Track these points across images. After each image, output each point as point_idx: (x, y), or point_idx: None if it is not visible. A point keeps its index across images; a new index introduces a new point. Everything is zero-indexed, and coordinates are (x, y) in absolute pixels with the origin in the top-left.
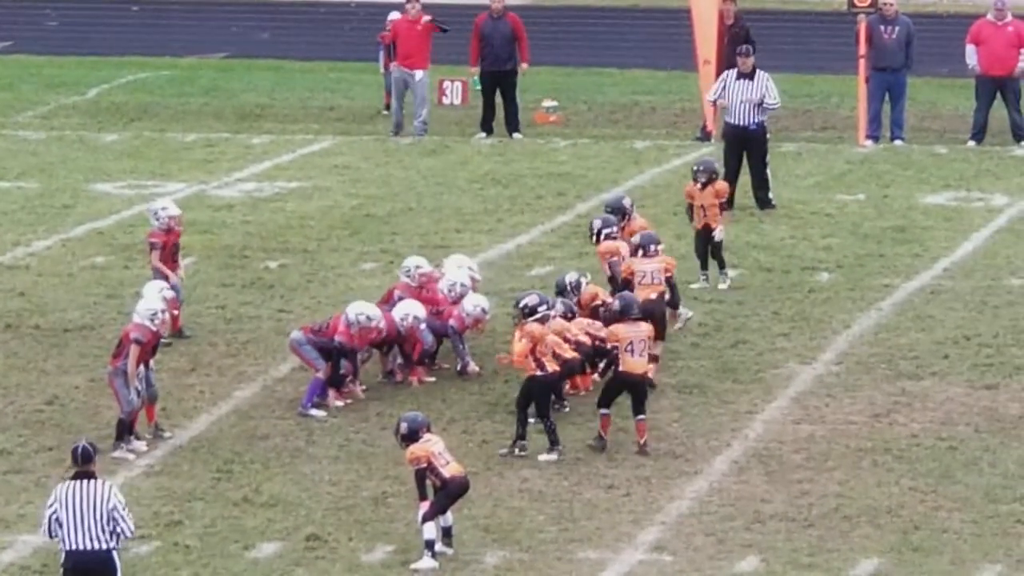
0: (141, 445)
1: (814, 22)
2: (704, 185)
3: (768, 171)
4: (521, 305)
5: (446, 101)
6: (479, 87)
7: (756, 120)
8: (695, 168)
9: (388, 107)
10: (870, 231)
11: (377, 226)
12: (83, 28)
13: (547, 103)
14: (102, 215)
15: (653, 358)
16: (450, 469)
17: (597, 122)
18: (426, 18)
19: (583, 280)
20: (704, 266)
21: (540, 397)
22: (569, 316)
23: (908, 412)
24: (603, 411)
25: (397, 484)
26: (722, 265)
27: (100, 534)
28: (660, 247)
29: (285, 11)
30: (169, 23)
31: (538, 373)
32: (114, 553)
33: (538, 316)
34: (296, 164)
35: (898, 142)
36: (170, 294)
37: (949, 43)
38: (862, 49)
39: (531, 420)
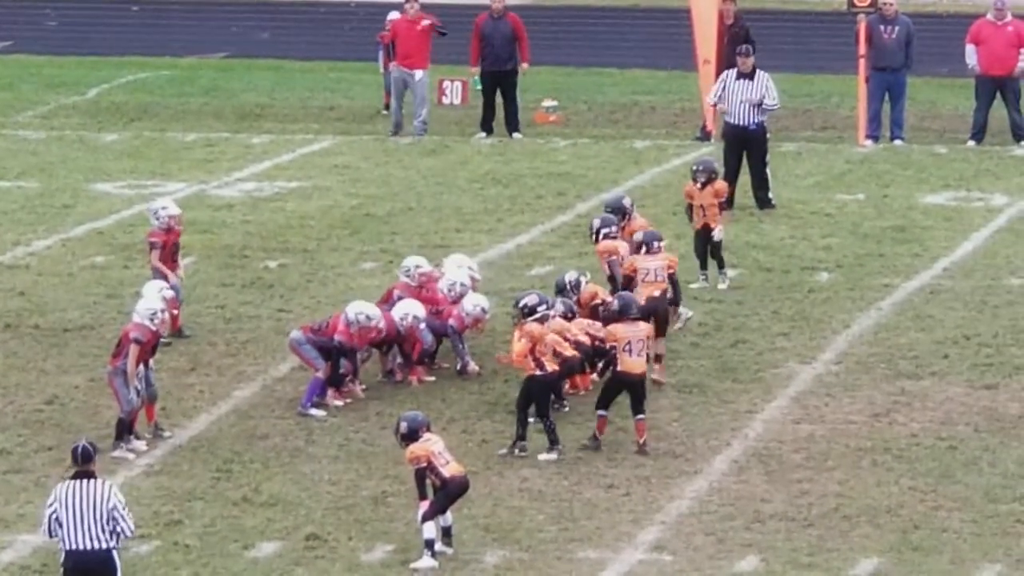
0: (141, 445)
1: (814, 22)
2: (703, 185)
3: (768, 171)
4: (520, 305)
5: (446, 101)
6: (479, 87)
7: (756, 120)
8: (694, 168)
9: (388, 107)
10: (870, 231)
11: (377, 226)
12: (83, 28)
13: (547, 103)
14: (102, 215)
15: (658, 358)
16: (450, 469)
17: (597, 122)
18: (426, 22)
19: (583, 279)
20: (703, 266)
21: (540, 397)
22: (569, 316)
23: (908, 412)
24: (601, 412)
25: (397, 483)
26: (721, 265)
27: (100, 534)
28: (662, 244)
29: (285, 11)
30: (169, 23)
31: (537, 373)
32: (114, 553)
33: (537, 316)
34: (296, 164)
35: (898, 142)
36: (170, 294)
37: (949, 43)
38: (862, 49)
39: (531, 420)
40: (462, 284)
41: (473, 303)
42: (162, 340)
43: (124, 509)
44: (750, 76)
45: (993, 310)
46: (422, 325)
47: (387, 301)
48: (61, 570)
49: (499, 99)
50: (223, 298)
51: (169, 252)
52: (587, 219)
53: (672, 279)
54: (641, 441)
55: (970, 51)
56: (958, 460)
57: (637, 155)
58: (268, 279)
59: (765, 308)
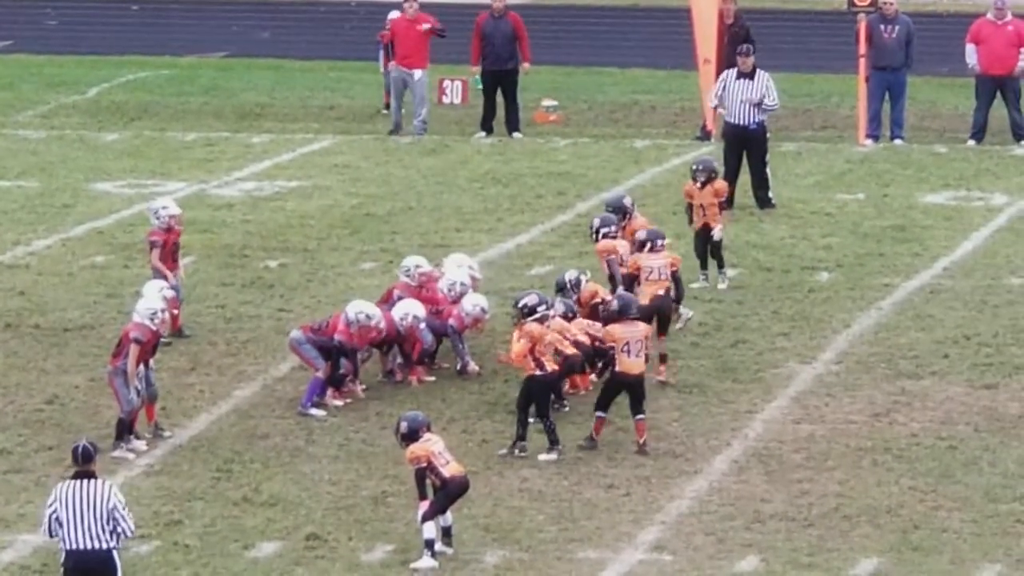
0: (141, 444)
1: (814, 21)
2: (703, 184)
3: (768, 170)
4: (520, 305)
5: (446, 100)
6: (480, 86)
7: (756, 119)
8: (694, 167)
9: (388, 106)
10: (870, 230)
11: (377, 225)
12: (83, 27)
13: (547, 102)
14: (102, 214)
15: (662, 358)
16: (450, 469)
17: (597, 121)
18: (426, 25)
19: (583, 278)
20: (703, 265)
21: (540, 397)
22: (569, 316)
23: (908, 412)
24: (599, 414)
25: (397, 483)
26: (721, 264)
27: (100, 533)
28: (666, 242)
29: (285, 10)
30: (169, 22)
31: (537, 373)
32: (114, 552)
33: (537, 316)
34: (296, 163)
35: (898, 141)
36: (170, 293)
37: (949, 42)
38: (862, 48)
39: (531, 420)
40: (462, 284)
41: (473, 303)
42: (162, 340)
43: (124, 509)
44: (750, 76)
45: (993, 310)
46: (422, 325)
47: (387, 301)
48: (61, 570)
49: (499, 99)
50: (223, 298)
51: (169, 252)
52: (587, 219)
53: (675, 277)
54: (641, 441)
55: (970, 50)
56: (958, 460)
57: (637, 154)
58: (268, 279)
59: (765, 308)
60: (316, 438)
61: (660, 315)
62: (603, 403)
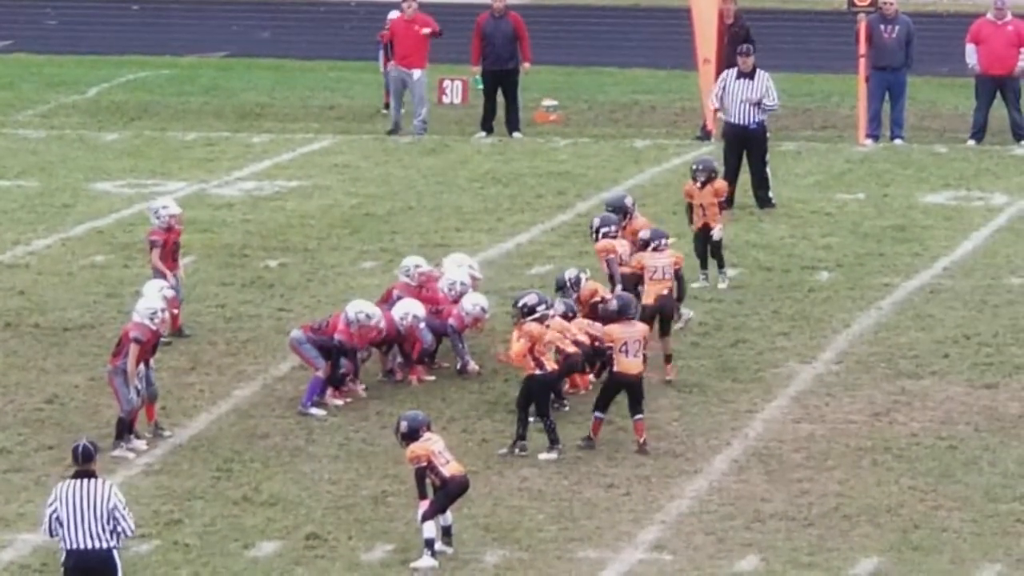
0: (141, 444)
1: (814, 21)
2: (703, 184)
3: (768, 170)
4: (520, 304)
5: (446, 100)
6: (481, 86)
7: (756, 119)
8: (694, 167)
9: (388, 106)
10: (870, 230)
11: (377, 225)
12: (83, 27)
13: (547, 102)
14: (102, 214)
15: (667, 358)
16: (450, 468)
17: (597, 121)
18: (426, 30)
19: (583, 276)
20: (703, 265)
21: (540, 396)
22: (569, 316)
23: (908, 411)
24: (597, 414)
25: (397, 483)
26: (721, 264)
27: (100, 533)
28: (669, 241)
29: (285, 10)
30: (169, 22)
31: (537, 372)
32: (114, 552)
33: (536, 315)
34: (296, 163)
35: (898, 141)
36: (170, 293)
37: (949, 42)
38: (862, 48)
39: (531, 419)
40: (462, 283)
41: (473, 302)
42: (162, 339)
43: (124, 508)
44: (750, 75)
45: (993, 309)
46: (422, 324)
47: (386, 301)
48: (61, 569)
49: (500, 98)
50: (223, 297)
51: (169, 251)
52: (587, 218)
53: (678, 275)
54: (641, 440)
55: (970, 50)
56: (958, 460)
57: (637, 154)
58: (268, 278)
59: (765, 307)
60: (316, 438)
61: (662, 315)
62: (601, 403)
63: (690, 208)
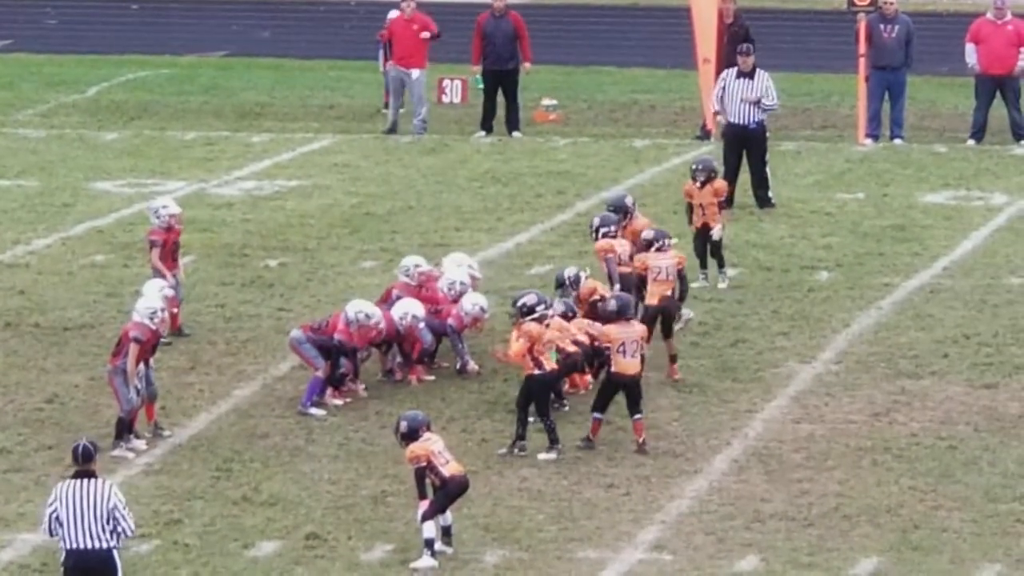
0: (141, 444)
1: (814, 21)
2: (703, 184)
3: (768, 170)
4: (519, 304)
5: (446, 100)
6: (481, 86)
7: (756, 119)
8: (694, 167)
9: (387, 105)
10: (870, 230)
11: (377, 224)
12: (83, 26)
13: (547, 102)
14: (102, 213)
15: (672, 358)
16: (450, 468)
17: (597, 121)
18: (426, 33)
19: (582, 275)
20: (703, 265)
21: (539, 396)
22: (569, 316)
23: (908, 411)
24: (596, 415)
25: (396, 483)
26: (721, 264)
27: (100, 533)
28: (672, 242)
29: (285, 9)
30: (169, 21)
31: (537, 372)
32: (114, 552)
33: (536, 315)
34: (296, 162)
35: (898, 141)
36: (170, 292)
37: (949, 42)
38: (862, 48)
39: (531, 419)
40: (462, 283)
41: (472, 302)
42: (162, 339)
43: (124, 508)
44: (750, 75)
45: (993, 309)
46: (421, 324)
47: (386, 300)
48: (61, 569)
49: (500, 98)
50: (223, 297)
51: (169, 251)
52: (587, 218)
53: (680, 274)
54: (640, 440)
55: (970, 50)
56: (958, 460)
57: (637, 154)
58: (268, 278)
59: (765, 307)
60: (316, 437)
61: (664, 316)
62: (600, 404)
63: (690, 208)
